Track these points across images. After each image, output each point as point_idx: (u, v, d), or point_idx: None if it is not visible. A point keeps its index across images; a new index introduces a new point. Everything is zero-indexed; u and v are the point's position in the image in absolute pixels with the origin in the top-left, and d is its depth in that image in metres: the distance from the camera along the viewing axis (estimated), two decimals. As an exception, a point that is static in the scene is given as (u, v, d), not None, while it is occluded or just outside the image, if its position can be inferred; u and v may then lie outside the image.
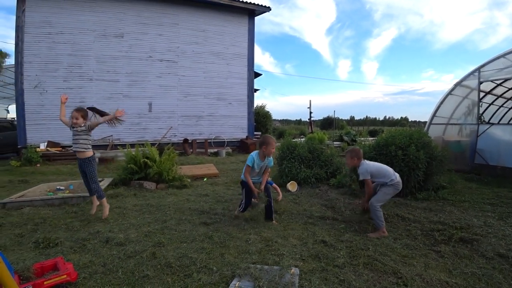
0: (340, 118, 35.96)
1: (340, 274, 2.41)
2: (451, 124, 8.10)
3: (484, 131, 7.10)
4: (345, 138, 13.97)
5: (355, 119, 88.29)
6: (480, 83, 7.30)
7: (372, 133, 23.13)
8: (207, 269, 2.46)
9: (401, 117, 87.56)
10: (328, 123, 34.11)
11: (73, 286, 2.23)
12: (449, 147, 6.49)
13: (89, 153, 4.07)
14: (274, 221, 3.70)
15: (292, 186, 5.30)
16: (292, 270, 2.36)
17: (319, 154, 6.15)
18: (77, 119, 4.00)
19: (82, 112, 4.11)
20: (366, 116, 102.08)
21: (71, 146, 10.32)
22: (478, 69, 7.30)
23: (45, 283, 2.02)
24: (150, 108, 11.58)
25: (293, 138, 8.78)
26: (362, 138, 15.47)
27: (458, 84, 7.80)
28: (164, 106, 11.77)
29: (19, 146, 10.18)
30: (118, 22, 11.15)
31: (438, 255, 2.86)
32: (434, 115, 8.26)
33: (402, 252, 2.89)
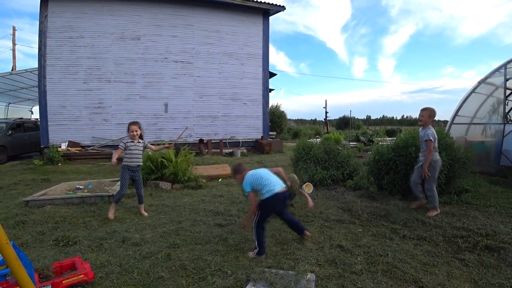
0: (356, 117, 35.37)
1: (358, 282, 2.33)
2: (475, 123, 7.75)
3: (511, 131, 6.75)
4: (362, 138, 13.68)
5: (372, 118, 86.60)
6: (506, 80, 6.94)
7: (389, 133, 22.54)
8: (221, 272, 2.44)
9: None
10: (344, 123, 33.58)
11: (90, 285, 2.26)
12: (472, 148, 6.21)
13: None
14: (307, 233, 3.20)
15: (307, 187, 5.21)
16: (308, 276, 2.30)
17: (336, 155, 6.03)
18: (136, 131, 4.11)
19: (138, 124, 4.22)
20: (383, 116, 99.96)
21: (91, 146, 10.57)
22: (504, 65, 6.95)
23: (63, 282, 2.06)
24: (166, 108, 11.75)
25: (309, 139, 8.67)
26: (379, 138, 15.15)
27: (482, 82, 7.46)
28: (179, 107, 11.91)
29: (41, 146, 10.58)
30: (134, 25, 11.38)
31: (462, 263, 2.71)
32: (456, 114, 7.92)
33: (423, 259, 2.76)
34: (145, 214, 4.11)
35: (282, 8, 12.74)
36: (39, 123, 11.18)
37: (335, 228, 3.58)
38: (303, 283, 2.20)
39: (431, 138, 3.90)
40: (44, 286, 2.00)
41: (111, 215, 3.95)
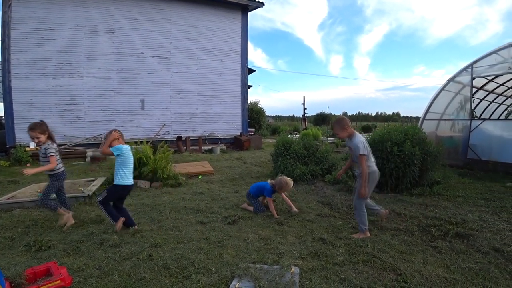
0: (333, 114, 36.07)
1: (340, 272, 2.40)
2: (444, 119, 8.18)
3: (477, 126, 7.18)
4: (339, 134, 14.00)
5: (348, 114, 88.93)
6: (473, 78, 7.37)
7: (365, 129, 23.28)
8: (205, 270, 2.42)
9: (393, 113, 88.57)
10: (321, 119, 34.17)
11: (67, 290, 2.17)
12: (442, 143, 6.55)
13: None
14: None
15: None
16: (292, 269, 2.34)
17: (315, 150, 6.14)
18: (36, 137, 3.56)
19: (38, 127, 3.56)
20: (359, 112, 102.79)
21: (62, 145, 10.08)
22: (471, 65, 7.37)
23: (38, 289, 1.95)
24: (142, 105, 11.41)
25: (288, 135, 8.77)
26: (356, 134, 15.58)
27: (451, 80, 7.87)
28: (157, 103, 11.60)
29: (7, 146, 9.93)
30: (109, 18, 10.90)
31: (436, 250, 2.87)
32: (427, 110, 8.32)
33: (400, 248, 2.89)
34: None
35: (261, 4, 12.72)
36: (3, 121, 10.49)
37: (316, 221, 3.65)
38: (288, 276, 2.23)
39: (362, 152, 3.07)
40: (17, 294, 1.88)
41: (69, 222, 3.53)
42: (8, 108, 9.96)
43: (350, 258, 2.66)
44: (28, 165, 8.60)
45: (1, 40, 9.83)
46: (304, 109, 19.04)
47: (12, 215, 4.01)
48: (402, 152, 4.78)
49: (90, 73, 10.77)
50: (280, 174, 4.40)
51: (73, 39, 10.52)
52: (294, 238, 3.11)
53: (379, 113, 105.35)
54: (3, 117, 10.58)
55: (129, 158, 3.50)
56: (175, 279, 2.31)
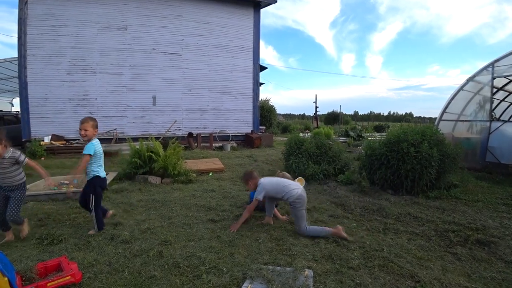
0: (344, 113, 35.67)
1: (356, 277, 2.30)
2: (462, 120, 7.90)
3: (497, 128, 6.91)
4: (351, 133, 13.77)
5: (359, 114, 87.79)
6: (493, 78, 7.08)
7: (377, 129, 22.86)
8: (216, 270, 2.37)
9: (406, 113, 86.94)
10: (333, 118, 33.83)
11: (77, 286, 2.14)
12: (459, 144, 6.33)
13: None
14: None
15: (300, 182, 5.17)
16: (306, 272, 2.26)
17: (327, 149, 6.02)
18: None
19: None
20: (370, 111, 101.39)
21: (75, 140, 10.19)
22: (491, 64, 7.08)
23: (48, 284, 1.94)
24: (154, 101, 11.46)
25: (300, 133, 8.65)
26: (368, 134, 15.32)
27: (470, 80, 7.59)
28: (168, 100, 11.63)
29: (23, 140, 10.15)
30: (121, 14, 10.98)
31: (455, 257, 2.74)
32: (444, 111, 8.06)
33: (417, 253, 2.78)
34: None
35: (274, 0, 12.59)
36: (20, 115, 10.70)
37: (329, 223, 3.55)
38: (301, 279, 2.15)
39: (257, 196, 3.23)
40: (28, 289, 1.87)
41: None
42: (24, 103, 10.17)
43: (365, 262, 2.56)
44: (42, 158, 8.75)
45: (18, 37, 10.02)
46: (316, 107, 18.84)
47: (25, 208, 4.04)
48: (419, 153, 4.62)
49: (103, 69, 10.89)
50: (280, 171, 4.39)
51: (86, 35, 10.65)
52: (307, 239, 3.03)
53: (391, 113, 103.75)
54: (19, 112, 10.80)
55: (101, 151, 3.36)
56: (185, 278, 2.27)
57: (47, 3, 10.19)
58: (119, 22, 10.95)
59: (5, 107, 19.11)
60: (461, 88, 7.76)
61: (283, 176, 3.87)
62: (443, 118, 8.08)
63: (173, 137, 8.17)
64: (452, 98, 7.93)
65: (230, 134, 12.34)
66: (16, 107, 18.24)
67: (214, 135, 11.81)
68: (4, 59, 13.19)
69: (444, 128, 7.89)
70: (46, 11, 10.20)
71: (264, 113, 17.95)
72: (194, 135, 11.00)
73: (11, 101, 20.98)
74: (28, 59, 10.12)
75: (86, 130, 3.18)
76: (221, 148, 10.70)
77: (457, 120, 7.95)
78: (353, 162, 6.73)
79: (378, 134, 15.40)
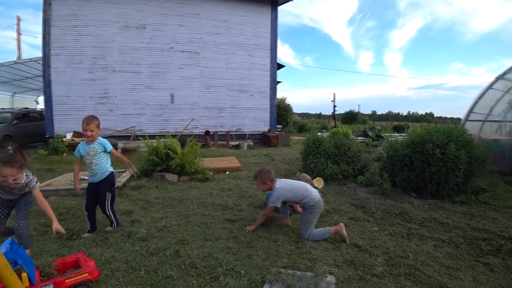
0: (362, 112, 34.95)
1: (380, 285, 2.18)
2: (489, 121, 7.50)
3: (529, 129, 6.50)
4: (370, 133, 13.42)
5: (377, 113, 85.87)
6: (526, 76, 6.67)
7: (396, 129, 22.21)
8: (234, 272, 2.30)
9: (426, 113, 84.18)
10: (350, 117, 33.23)
11: (94, 283, 2.13)
12: (488, 146, 5.99)
13: None
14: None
15: (318, 182, 5.05)
16: (328, 278, 2.15)
17: (346, 149, 5.84)
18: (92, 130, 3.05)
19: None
20: (389, 111, 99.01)
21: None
22: (524, 61, 6.67)
23: (66, 281, 1.93)
24: (172, 99, 11.58)
25: (318, 133, 8.47)
26: (387, 134, 14.89)
27: (500, 78, 7.19)
28: (186, 98, 11.72)
29: (46, 136, 10.50)
30: (139, 14, 11.14)
31: (487, 268, 2.55)
32: (470, 111, 7.67)
33: (446, 262, 2.61)
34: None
35: (291, -2, 12.42)
36: (44, 113, 11.09)
37: (349, 226, 3.42)
38: (323, 286, 2.05)
39: (275, 203, 3.01)
40: (45, 285, 1.86)
41: None
42: (47, 101, 10.54)
43: (390, 270, 2.42)
44: (64, 154, 9.01)
45: (42, 37, 10.40)
46: (334, 106, 18.51)
47: (47, 202, 4.12)
48: (445, 155, 4.38)
49: (122, 68, 11.09)
50: (299, 172, 4.25)
51: (106, 34, 10.89)
52: (327, 243, 2.91)
53: (411, 112, 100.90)
54: (43, 109, 11.20)
55: None
56: (202, 279, 2.21)
57: (69, 4, 10.49)
58: (137, 21, 11.13)
59: (31, 105, 19.88)
60: (490, 86, 7.36)
61: (304, 178, 3.76)
62: (470, 118, 7.70)
63: (190, 135, 8.20)
64: (480, 98, 7.53)
65: (247, 133, 12.30)
66: (41, 105, 18.94)
67: (231, 133, 11.80)
68: (29, 59, 13.68)
69: (471, 129, 7.49)
70: (69, 12, 10.51)
71: (281, 112, 17.80)
72: (211, 133, 11.03)
73: (36, 99, 21.81)
74: (52, 58, 10.47)
75: (92, 131, 3.01)
76: (237, 147, 10.67)
77: (484, 121, 7.55)
78: (372, 163, 6.52)
79: (398, 134, 14.93)
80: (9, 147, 2.32)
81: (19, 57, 18.79)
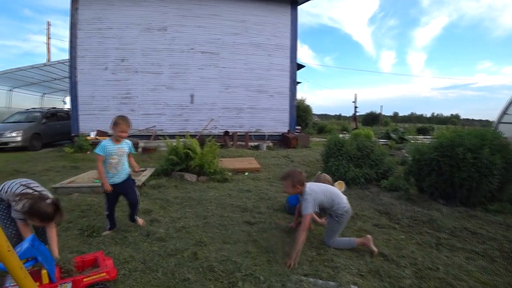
0: (383, 114, 33.91)
1: (410, 299, 2.03)
2: (526, 123, 7.02)
3: None
4: (393, 135, 12.94)
5: (399, 115, 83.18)
6: None
7: (420, 131, 21.37)
8: (253, 278, 2.22)
9: (451, 114, 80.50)
10: (371, 118, 32.39)
11: (112, 283, 2.12)
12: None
13: None
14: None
15: (339, 185, 4.87)
16: (352, 289, 2.03)
17: (369, 152, 5.62)
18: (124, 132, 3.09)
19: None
20: (411, 113, 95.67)
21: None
22: None
23: (84, 280, 1.93)
24: (192, 99, 11.69)
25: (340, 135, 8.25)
26: (411, 136, 14.32)
27: (538, 78, 6.70)
28: (205, 98, 11.79)
29: (72, 134, 10.89)
30: (161, 16, 11.34)
31: (529, 285, 2.33)
32: (504, 112, 7.23)
33: (481, 277, 2.40)
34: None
35: (311, -3, 12.22)
36: (70, 112, 11.53)
37: (373, 233, 3.24)
38: (347, 297, 1.93)
39: (311, 210, 2.63)
40: (64, 283, 1.86)
41: None
42: (73, 101, 10.95)
43: (419, 283, 2.26)
44: (88, 152, 9.28)
45: (69, 40, 10.83)
46: (356, 107, 18.08)
47: (70, 199, 4.25)
48: (478, 160, 4.10)
49: (144, 69, 11.33)
50: (320, 172, 4.09)
51: (129, 36, 11.18)
52: (351, 251, 2.77)
53: (435, 114, 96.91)
54: (70, 109, 11.65)
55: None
56: (220, 284, 2.15)
57: (94, 8, 10.86)
58: (159, 23, 11.33)
59: (59, 105, 20.75)
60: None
61: (324, 179, 3.61)
62: (503, 120, 7.25)
63: (209, 135, 8.22)
64: (515, 99, 7.08)
65: (266, 134, 12.21)
66: (68, 105, 19.74)
67: (250, 134, 11.75)
68: (57, 61, 14.28)
69: (505, 131, 7.06)
70: (93, 15, 10.88)
71: (300, 113, 17.57)
72: (230, 134, 11.03)
73: (64, 99, 22.73)
74: (78, 60, 10.86)
75: (126, 132, 3.06)
76: (256, 147, 10.60)
77: (520, 123, 7.08)
78: (396, 167, 6.25)
79: (423, 137, 14.33)
80: (48, 200, 2.16)
81: (48, 59, 19.70)
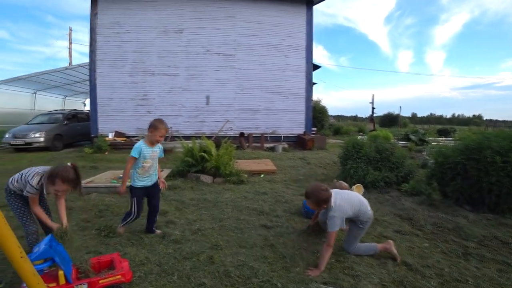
0: (403, 115, 33.06)
1: (438, 313, 1.89)
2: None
3: None
4: (412, 137, 12.52)
5: (418, 116, 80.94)
6: None
7: (441, 133, 20.62)
8: (270, 285, 2.15)
9: (474, 115, 77.46)
10: (389, 120, 31.63)
11: (127, 285, 2.10)
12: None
13: None
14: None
15: (358, 189, 4.73)
16: (375, 300, 1.92)
17: (389, 154, 5.43)
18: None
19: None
20: (431, 113, 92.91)
21: (135, 136, 10.80)
22: None
23: (100, 282, 1.92)
24: (207, 101, 11.75)
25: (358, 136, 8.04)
26: (431, 138, 13.83)
27: None
28: (221, 100, 11.83)
29: (91, 135, 11.18)
30: (177, 19, 11.48)
31: None
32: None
33: (515, 291, 2.23)
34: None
35: (328, -4, 12.03)
36: (90, 114, 11.86)
37: (395, 240, 3.09)
38: (370, 309, 1.82)
39: (338, 227, 2.50)
40: (80, 284, 1.86)
41: None
42: (93, 103, 11.27)
43: (448, 296, 2.12)
44: (106, 153, 9.49)
45: (89, 44, 11.18)
46: (373, 108, 17.70)
47: (89, 199, 4.32)
48: (508, 164, 3.86)
49: (161, 71, 11.50)
50: (336, 180, 3.96)
51: (146, 39, 11.40)
52: (372, 258, 2.64)
53: (456, 115, 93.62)
54: (90, 111, 12.00)
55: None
56: (236, 290, 2.09)
57: (113, 12, 11.15)
58: (175, 26, 11.48)
59: (79, 107, 21.43)
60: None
61: (340, 187, 3.50)
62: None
63: (225, 137, 8.22)
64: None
65: (282, 135, 12.11)
66: (88, 107, 20.34)
67: (266, 135, 11.68)
68: (78, 65, 14.76)
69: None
70: (112, 20, 11.16)
71: (316, 114, 17.32)
72: (246, 135, 11.00)
73: (84, 101, 23.47)
74: (97, 63, 11.17)
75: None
76: (272, 149, 10.51)
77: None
78: (417, 170, 6.01)
79: (444, 139, 13.81)
80: (69, 163, 2.34)
81: (70, 63, 20.38)
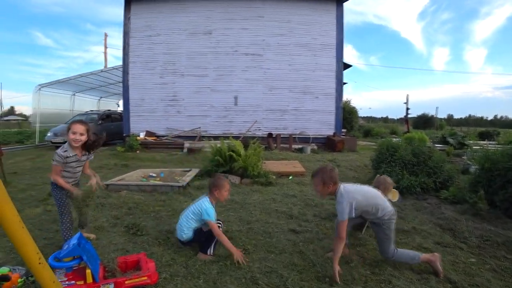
0: (439, 117, 31.19)
1: None
2: None
3: None
4: (450, 140, 11.72)
5: (454, 118, 76.24)
6: None
7: (483, 136, 19.19)
8: (300, 295, 2.02)
9: (520, 117, 71.49)
10: (423, 121, 30.06)
11: (153, 286, 2.07)
12: None
13: None
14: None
15: (393, 195, 4.43)
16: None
17: (426, 158, 5.08)
18: (81, 134, 2.80)
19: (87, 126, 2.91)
20: (469, 115, 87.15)
21: (165, 136, 11.07)
22: None
23: (126, 282, 1.91)
24: (236, 101, 11.79)
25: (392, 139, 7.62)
26: (472, 142, 12.88)
27: None
28: (249, 100, 11.81)
29: (124, 134, 11.64)
30: (206, 20, 11.66)
31: None
32: None
33: None
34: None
35: (359, -7, 11.61)
36: (122, 114, 12.37)
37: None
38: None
39: (346, 216, 2.27)
40: (107, 284, 1.85)
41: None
42: (125, 103, 11.76)
43: (503, 320, 1.86)
44: (137, 151, 9.80)
45: (123, 47, 11.71)
46: (407, 109, 16.87)
47: (119, 196, 4.42)
48: None
49: (190, 72, 11.73)
50: (379, 174, 3.69)
51: (176, 42, 11.70)
52: (411, 272, 2.41)
53: (498, 116, 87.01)
54: (122, 111, 12.52)
55: None
56: (264, 299, 1.98)
57: (144, 16, 11.57)
58: (204, 28, 11.66)
59: (113, 108, 22.48)
60: None
61: (384, 181, 3.24)
62: None
63: (253, 137, 8.16)
64: None
65: (311, 136, 11.84)
66: (121, 107, 21.28)
67: (294, 136, 11.48)
68: (112, 67, 15.44)
69: None
70: (143, 23, 11.59)
71: (345, 115, 16.82)
72: (274, 136, 10.88)
73: (117, 102, 24.60)
74: (130, 66, 11.64)
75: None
76: (300, 150, 10.29)
77: None
78: (458, 176, 5.56)
79: (487, 142, 12.81)
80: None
81: (105, 66, 21.45)
